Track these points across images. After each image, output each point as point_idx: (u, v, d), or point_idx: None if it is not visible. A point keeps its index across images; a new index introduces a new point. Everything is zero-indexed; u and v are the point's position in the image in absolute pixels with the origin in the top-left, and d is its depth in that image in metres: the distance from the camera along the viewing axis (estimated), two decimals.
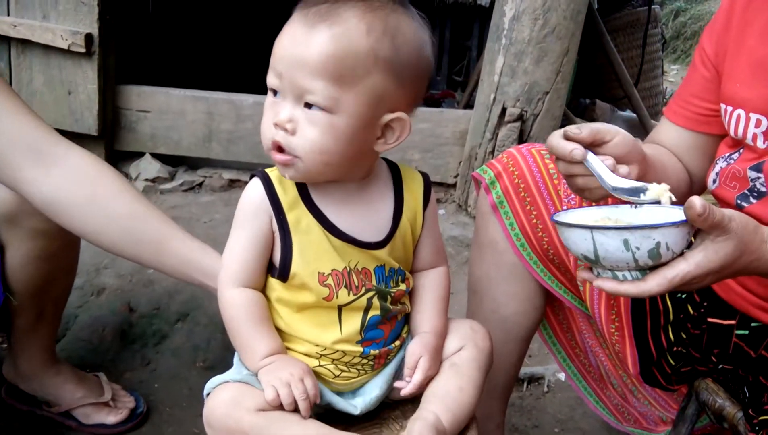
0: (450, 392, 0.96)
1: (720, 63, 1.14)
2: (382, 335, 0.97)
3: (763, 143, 1.04)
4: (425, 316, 1.01)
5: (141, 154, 2.63)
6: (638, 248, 0.77)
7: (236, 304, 0.93)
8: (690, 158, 1.21)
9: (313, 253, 0.92)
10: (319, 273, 0.92)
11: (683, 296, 1.20)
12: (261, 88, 2.79)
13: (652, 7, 3.42)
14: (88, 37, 2.32)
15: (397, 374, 1.00)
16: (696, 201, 0.78)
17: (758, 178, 1.04)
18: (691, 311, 1.17)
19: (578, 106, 3.13)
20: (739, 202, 1.07)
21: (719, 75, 1.14)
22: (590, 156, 0.93)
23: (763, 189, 1.04)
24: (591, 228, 0.80)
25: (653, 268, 0.83)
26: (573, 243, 0.84)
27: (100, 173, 1.17)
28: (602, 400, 1.43)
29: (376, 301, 0.95)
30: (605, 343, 1.31)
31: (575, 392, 1.48)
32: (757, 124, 1.03)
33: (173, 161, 2.67)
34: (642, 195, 0.90)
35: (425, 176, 1.02)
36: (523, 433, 1.65)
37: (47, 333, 1.47)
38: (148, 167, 2.60)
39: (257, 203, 0.92)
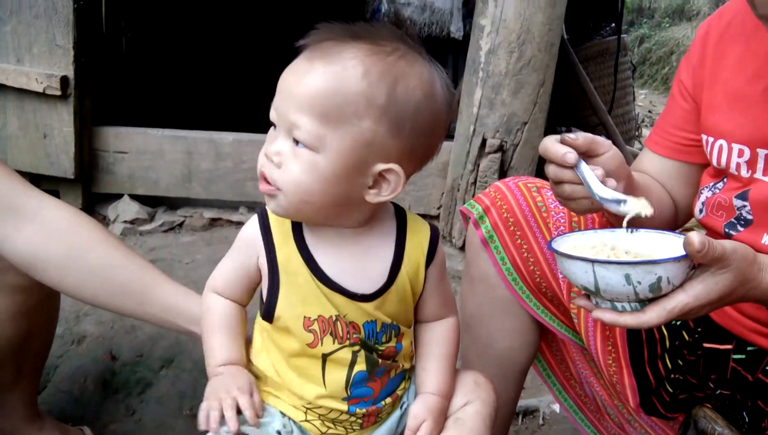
0: None
1: (698, 94, 1.16)
2: (371, 394, 0.94)
3: (747, 172, 1.05)
4: (431, 375, 0.97)
5: (119, 196, 2.59)
6: (639, 283, 0.79)
7: (213, 309, 0.96)
8: (673, 186, 1.23)
9: (300, 296, 0.90)
10: (305, 317, 0.90)
11: (678, 323, 1.20)
12: (240, 126, 2.78)
13: (621, 36, 3.50)
14: (64, 80, 2.30)
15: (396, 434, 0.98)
16: (694, 237, 0.79)
17: (744, 206, 1.06)
18: (687, 337, 1.18)
19: (554, 134, 3.17)
20: (726, 230, 1.09)
21: (698, 106, 1.16)
22: (582, 163, 0.94)
23: (750, 217, 1.05)
24: (593, 261, 0.80)
25: (652, 300, 0.84)
26: (573, 274, 0.84)
27: (77, 225, 1.14)
28: (599, 431, 1.42)
29: (361, 356, 0.92)
30: (600, 374, 1.30)
31: (571, 424, 1.46)
32: (740, 153, 1.06)
33: (152, 202, 2.63)
34: (623, 205, 0.91)
35: (434, 230, 0.97)
36: None
37: (28, 388, 1.41)
38: (126, 209, 2.56)
39: (249, 239, 0.93)
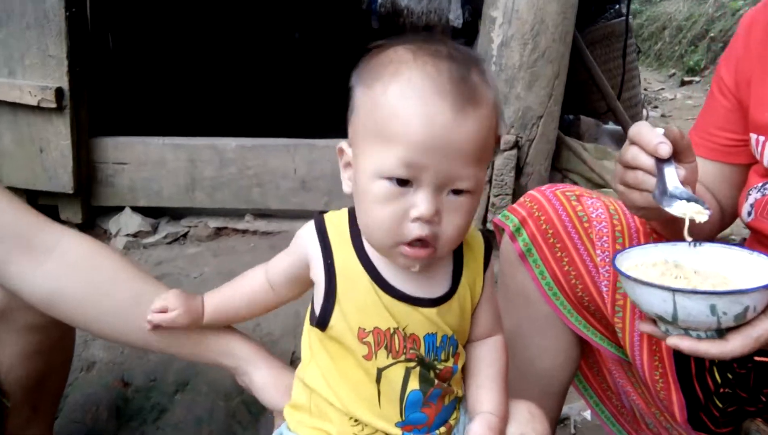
0: None
1: (743, 92, 1.10)
2: (425, 421, 0.89)
3: None
4: (486, 393, 0.92)
5: (120, 209, 2.50)
6: (725, 313, 0.73)
7: (247, 274, 0.99)
8: (717, 189, 1.17)
9: (357, 305, 0.86)
10: (359, 328, 0.85)
11: None
12: (243, 131, 2.70)
13: (629, 17, 3.42)
14: (59, 92, 2.21)
15: None
16: None
17: None
18: None
19: (562, 123, 3.09)
20: None
21: (742, 104, 1.10)
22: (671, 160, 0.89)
23: None
24: (674, 290, 0.74)
25: (732, 328, 0.78)
26: (646, 302, 0.79)
27: (99, 258, 1.07)
28: None
29: (415, 373, 0.87)
30: (638, 384, 1.24)
31: (605, 432, 1.41)
32: None
33: (155, 213, 2.55)
34: (688, 205, 0.85)
35: (486, 238, 0.95)
36: None
37: (44, 426, 1.34)
38: (128, 222, 2.48)
39: (302, 243, 0.91)
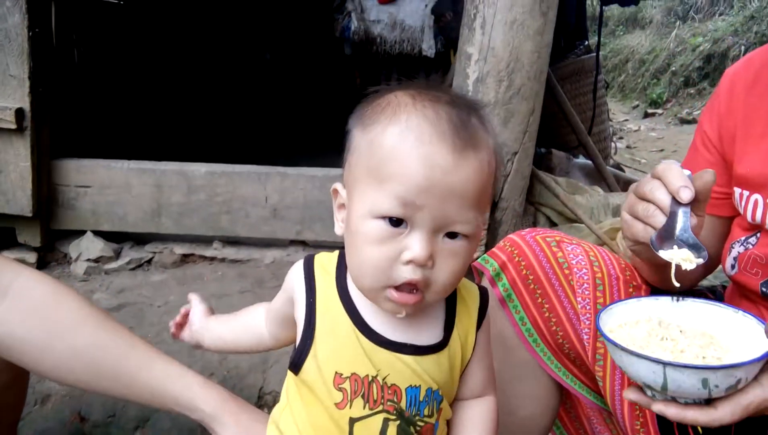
0: None
1: (727, 147, 1.10)
2: None
3: None
4: None
5: (82, 233, 2.41)
6: (717, 386, 0.71)
7: (252, 308, 1.01)
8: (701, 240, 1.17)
9: (335, 347, 0.82)
10: (336, 373, 0.81)
11: None
12: (212, 155, 2.63)
13: (599, 54, 3.48)
14: (19, 113, 2.13)
15: None
16: None
17: None
18: None
19: (534, 157, 3.12)
20: (764, 289, 1.03)
21: (725, 158, 1.11)
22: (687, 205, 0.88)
23: None
24: (665, 363, 0.72)
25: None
26: (635, 371, 0.76)
27: (56, 300, 1.02)
28: None
29: (393, 427, 0.82)
30: (617, 432, 1.23)
31: None
32: None
33: (118, 238, 2.47)
34: (676, 249, 0.85)
35: (483, 292, 0.91)
36: None
37: None
38: (90, 246, 2.39)
39: (289, 282, 0.89)
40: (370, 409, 0.81)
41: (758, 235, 1.05)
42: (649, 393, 0.81)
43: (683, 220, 0.85)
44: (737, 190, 1.07)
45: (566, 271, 1.12)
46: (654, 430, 1.13)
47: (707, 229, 1.16)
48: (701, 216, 0.91)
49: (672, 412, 0.77)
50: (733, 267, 1.08)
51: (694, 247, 0.84)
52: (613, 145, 4.14)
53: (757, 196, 1.03)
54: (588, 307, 1.11)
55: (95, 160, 2.37)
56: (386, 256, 0.75)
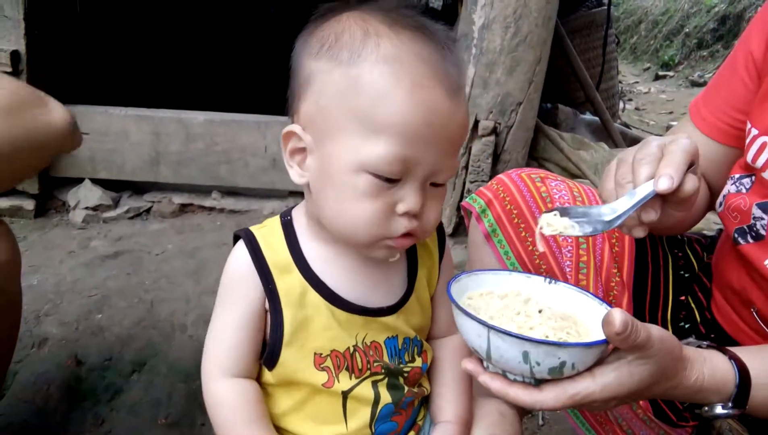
0: None
1: (765, 70, 0.98)
2: (395, 428, 0.84)
3: None
4: (447, 399, 0.87)
5: (80, 180, 2.39)
6: (538, 363, 0.65)
7: (227, 402, 0.77)
8: (715, 171, 1.08)
9: (309, 329, 0.77)
10: (316, 354, 0.78)
11: (687, 326, 1.12)
12: (211, 105, 2.59)
13: (611, 7, 3.38)
14: (14, 55, 2.09)
15: None
16: (617, 316, 0.65)
17: (762, 218, 0.95)
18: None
19: (540, 111, 3.06)
20: (736, 235, 0.99)
21: (761, 83, 0.98)
22: (639, 191, 0.80)
23: (763, 232, 0.94)
24: (488, 327, 0.65)
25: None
26: (465, 333, 0.71)
27: None
28: (596, 430, 1.35)
29: (384, 386, 0.81)
30: None
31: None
32: None
33: (116, 186, 2.45)
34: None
35: (438, 226, 0.88)
36: None
37: None
38: (88, 194, 2.37)
39: (243, 274, 0.77)
40: (357, 377, 0.79)
41: (752, 178, 0.98)
42: (484, 364, 0.75)
43: (630, 201, 0.78)
44: (748, 124, 0.98)
45: (549, 205, 1.10)
46: None
47: (725, 162, 1.06)
48: (669, 214, 0.83)
49: (496, 385, 0.70)
50: (720, 204, 1.03)
51: (588, 226, 0.78)
52: (621, 104, 4.06)
53: (766, 138, 0.95)
54: (569, 240, 1.10)
55: (92, 106, 2.33)
56: (381, 210, 0.70)
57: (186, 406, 1.61)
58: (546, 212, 0.83)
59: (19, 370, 1.66)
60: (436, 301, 0.87)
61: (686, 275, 1.17)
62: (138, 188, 2.46)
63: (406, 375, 0.82)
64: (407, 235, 0.73)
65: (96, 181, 2.40)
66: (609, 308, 0.71)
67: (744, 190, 1.00)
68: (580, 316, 0.76)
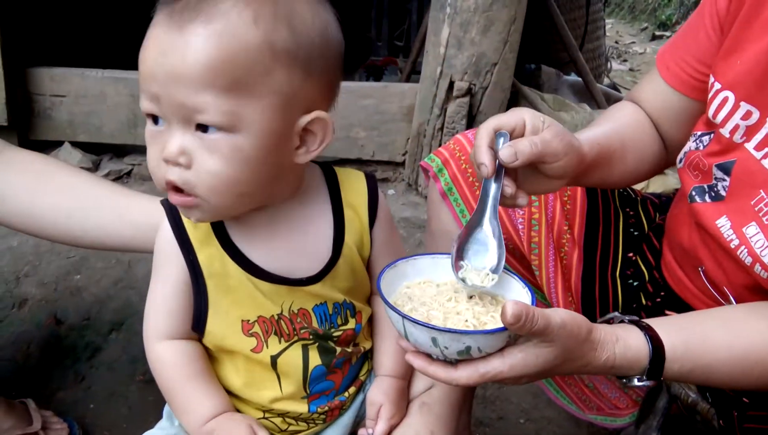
0: None
1: (727, 25, 0.95)
2: (332, 386, 0.87)
3: (741, 138, 0.91)
4: (387, 354, 0.90)
5: (60, 144, 2.40)
6: (447, 347, 0.71)
7: (167, 360, 0.81)
8: (675, 123, 1.08)
9: (232, 299, 0.79)
10: (243, 321, 0.80)
11: (635, 284, 1.16)
12: None
13: None
14: None
15: (359, 421, 0.90)
16: (508, 310, 0.69)
17: (723, 180, 0.94)
18: (645, 301, 1.14)
19: (523, 72, 3.05)
20: (693, 194, 0.99)
21: (724, 37, 0.96)
22: (488, 184, 0.84)
23: (723, 194, 0.94)
24: (403, 317, 0.71)
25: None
26: (389, 318, 0.76)
27: (35, 155, 1.14)
28: (563, 390, 1.39)
29: (314, 349, 0.83)
30: None
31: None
32: (747, 115, 0.90)
33: (96, 149, 2.45)
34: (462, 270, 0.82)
35: (370, 179, 0.87)
36: (488, 426, 1.59)
37: None
38: (68, 157, 2.38)
39: (165, 246, 0.79)
40: (286, 341, 0.81)
41: (711, 135, 0.98)
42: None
43: (482, 200, 0.83)
44: (711, 78, 0.96)
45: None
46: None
47: (686, 115, 1.06)
48: (553, 163, 0.85)
49: (419, 362, 0.76)
50: (680, 160, 1.04)
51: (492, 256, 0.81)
52: (609, 65, 4.03)
53: (728, 93, 0.92)
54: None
55: (69, 68, 2.32)
56: (155, 156, 0.71)
57: None
58: (458, 271, 0.83)
59: (0, 330, 1.71)
60: (374, 262, 0.88)
61: (635, 233, 1.19)
62: (118, 151, 2.46)
63: (336, 338, 0.85)
64: (178, 190, 0.70)
65: (76, 144, 2.40)
66: (529, 293, 0.79)
67: (702, 147, 0.99)
68: (509, 298, 0.81)
